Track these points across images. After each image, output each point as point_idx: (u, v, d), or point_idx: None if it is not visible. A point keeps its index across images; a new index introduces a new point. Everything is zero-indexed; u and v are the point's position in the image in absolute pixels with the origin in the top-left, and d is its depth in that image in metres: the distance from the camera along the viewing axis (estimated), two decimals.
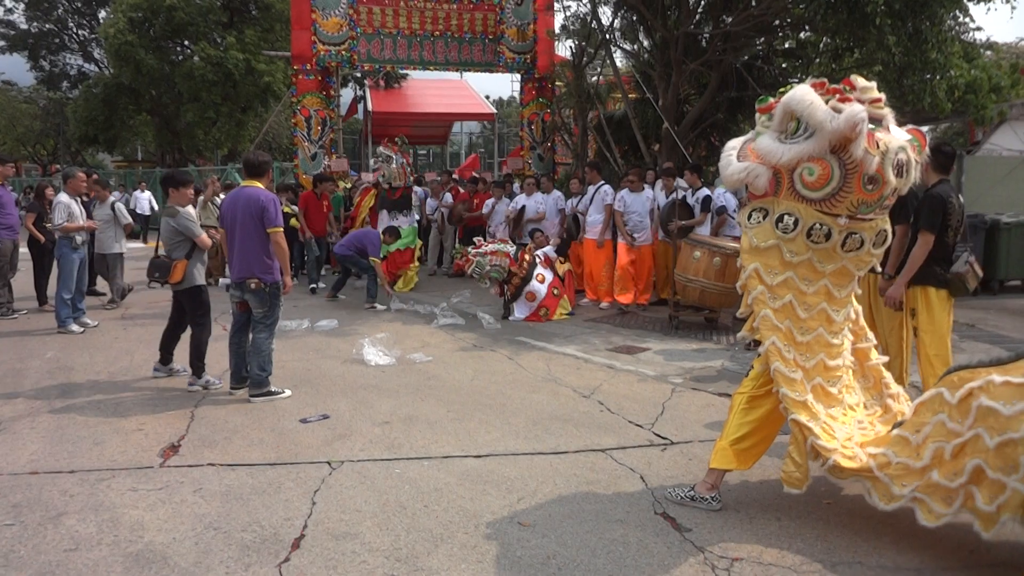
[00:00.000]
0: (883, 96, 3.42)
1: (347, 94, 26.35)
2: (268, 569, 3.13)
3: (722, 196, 8.34)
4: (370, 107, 22.54)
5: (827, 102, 3.25)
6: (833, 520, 3.59)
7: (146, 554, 3.25)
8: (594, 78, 15.21)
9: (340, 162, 14.54)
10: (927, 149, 3.64)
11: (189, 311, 5.97)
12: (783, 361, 3.44)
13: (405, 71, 22.61)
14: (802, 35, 12.14)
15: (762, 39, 12.37)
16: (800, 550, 3.28)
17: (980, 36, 11.23)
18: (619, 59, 14.61)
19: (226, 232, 5.69)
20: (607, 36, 13.18)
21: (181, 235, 5.81)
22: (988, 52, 13.05)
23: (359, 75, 25.97)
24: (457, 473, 4.15)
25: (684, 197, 8.69)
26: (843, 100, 3.25)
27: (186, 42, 26.83)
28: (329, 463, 4.32)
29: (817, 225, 3.32)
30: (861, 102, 3.27)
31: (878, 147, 3.20)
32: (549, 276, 8.81)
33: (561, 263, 9.40)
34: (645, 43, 13.51)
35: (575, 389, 5.84)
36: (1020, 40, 28.08)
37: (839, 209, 3.29)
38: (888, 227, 3.51)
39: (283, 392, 5.70)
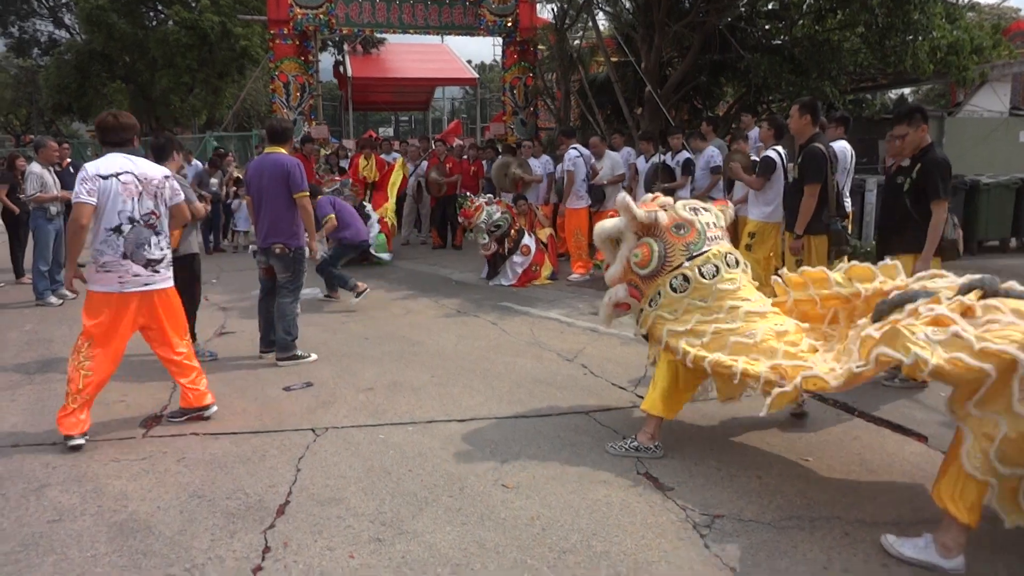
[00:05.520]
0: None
1: (326, 59, 25.91)
2: (253, 536, 3.14)
3: (716, 156, 8.31)
4: (349, 73, 22.19)
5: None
6: (812, 477, 3.65)
7: (130, 523, 3.25)
8: (576, 41, 15.05)
9: (320, 129, 14.35)
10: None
11: (180, 280, 5.88)
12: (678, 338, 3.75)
13: (383, 35, 22.22)
14: None
15: (745, 0, 12.26)
16: (780, 506, 3.33)
17: None
18: (601, 21, 14.46)
19: (251, 198, 5.82)
20: None
21: None
22: (971, 13, 13.04)
23: (337, 39, 25.52)
24: (441, 437, 4.17)
25: (665, 160, 8.66)
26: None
27: (160, 5, 26.22)
28: (313, 430, 4.32)
29: (672, 281, 3.76)
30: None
31: (658, 207, 3.90)
32: (533, 247, 8.81)
33: (542, 228, 9.38)
34: (627, 5, 13.36)
35: (559, 353, 5.86)
36: (1002, 1, 28.02)
37: (677, 260, 3.77)
38: (730, 251, 3.89)
39: (310, 356, 5.76)
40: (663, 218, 3.83)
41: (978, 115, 11.85)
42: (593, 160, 9.29)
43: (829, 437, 4.14)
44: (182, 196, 4.51)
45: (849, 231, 6.52)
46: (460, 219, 9.38)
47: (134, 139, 4.40)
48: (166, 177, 4.37)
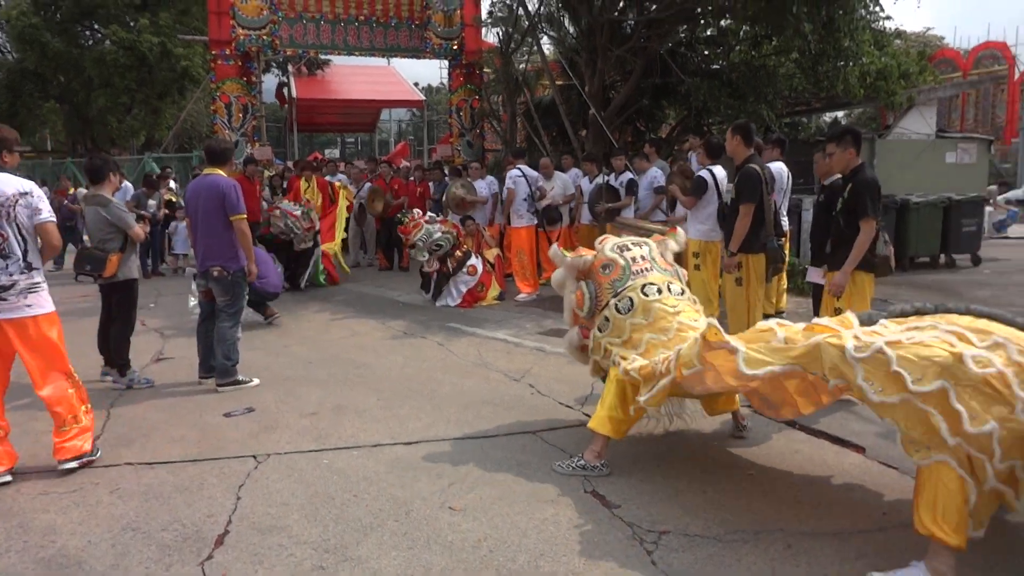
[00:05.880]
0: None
1: (270, 80, 25.61)
2: (190, 568, 3.03)
3: (658, 177, 8.47)
4: (294, 94, 21.97)
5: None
6: (756, 490, 3.70)
7: (59, 559, 3.11)
8: (522, 65, 15.21)
9: (264, 150, 14.14)
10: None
11: (117, 305, 5.69)
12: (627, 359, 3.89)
13: (328, 56, 22.10)
14: (723, 23, 12.40)
15: (685, 27, 12.59)
16: (725, 520, 3.37)
17: (890, 25, 11.72)
18: (546, 46, 14.66)
19: (189, 220, 5.72)
20: (533, 22, 13.17)
21: (114, 227, 5.47)
22: (897, 40, 13.63)
23: (281, 60, 25.28)
24: (387, 461, 4.11)
25: (608, 181, 8.79)
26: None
27: (96, 25, 25.57)
28: (255, 457, 4.21)
29: (611, 308, 3.99)
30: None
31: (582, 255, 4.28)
32: (480, 268, 8.82)
33: (489, 248, 9.40)
34: (571, 30, 13.57)
35: (506, 373, 5.85)
36: (927, 29, 29.41)
37: (605, 299, 4.05)
38: (670, 280, 4.13)
39: (251, 381, 5.62)
40: (589, 261, 4.20)
41: (907, 137, 12.34)
42: (541, 181, 9.38)
43: (771, 451, 4.22)
44: (45, 215, 3.98)
45: (787, 249, 6.72)
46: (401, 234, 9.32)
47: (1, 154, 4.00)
48: (22, 194, 3.88)
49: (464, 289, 8.67)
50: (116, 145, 29.21)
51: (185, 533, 3.32)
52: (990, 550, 2.98)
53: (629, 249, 4.20)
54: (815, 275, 5.30)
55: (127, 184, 11.77)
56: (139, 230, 5.58)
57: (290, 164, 15.31)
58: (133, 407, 5.16)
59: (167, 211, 12.14)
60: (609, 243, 4.29)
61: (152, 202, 12.03)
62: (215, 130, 13.94)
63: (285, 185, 12.05)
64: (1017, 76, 26.96)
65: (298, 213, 9.56)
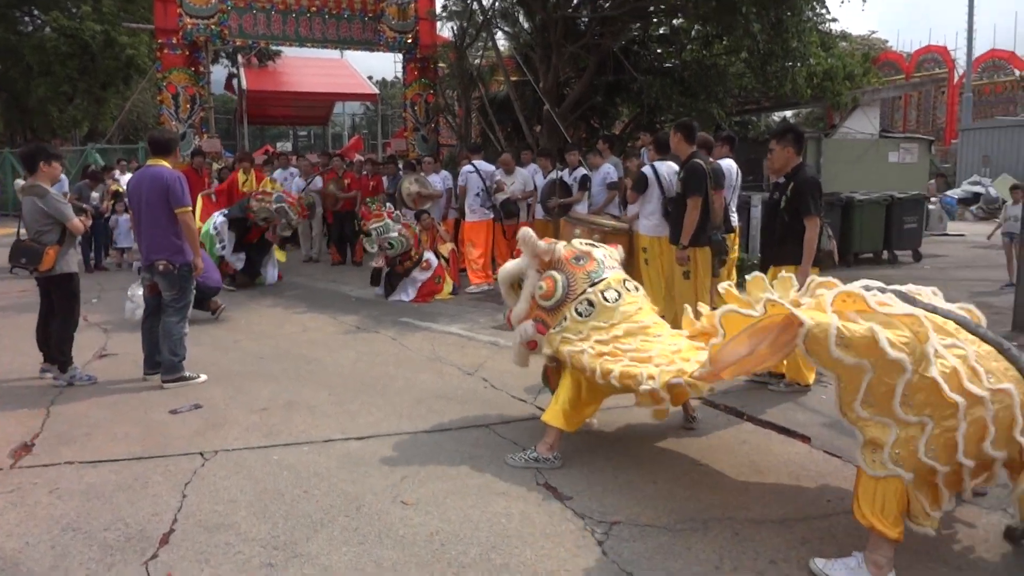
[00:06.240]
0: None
1: (219, 71, 25.05)
2: (134, 568, 2.96)
3: (611, 173, 8.54)
4: (244, 85, 21.53)
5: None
6: (705, 480, 3.77)
7: None
8: (477, 60, 15.17)
9: (212, 142, 13.84)
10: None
11: (57, 300, 5.50)
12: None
13: (279, 48, 21.72)
14: (675, 21, 12.57)
15: (638, 24, 12.71)
16: (674, 510, 3.42)
17: (836, 27, 12.03)
18: (501, 41, 14.64)
19: (132, 213, 5.58)
20: (488, 17, 13.15)
21: (51, 219, 5.28)
22: (843, 43, 14.01)
23: (231, 51, 24.75)
24: (338, 457, 4.06)
25: (562, 176, 8.83)
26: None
27: (36, 11, 24.66)
28: (202, 454, 4.12)
29: (577, 307, 3.91)
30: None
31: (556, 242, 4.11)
32: (434, 262, 8.79)
33: (444, 243, 9.37)
34: (525, 25, 13.59)
35: (459, 367, 5.84)
36: (871, 32, 30.23)
37: (580, 288, 3.94)
38: (627, 278, 4.16)
39: (199, 377, 5.50)
40: (561, 251, 4.05)
41: (852, 137, 12.68)
42: (499, 176, 9.39)
43: (720, 442, 4.30)
44: None
45: (736, 245, 6.86)
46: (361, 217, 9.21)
47: None
48: None
49: (419, 284, 8.63)
50: (57, 136, 28.25)
51: (128, 533, 3.24)
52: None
53: (596, 246, 4.23)
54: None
55: (63, 178, 11.35)
56: (77, 223, 5.40)
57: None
58: (75, 405, 5.00)
59: (113, 202, 11.76)
60: (573, 240, 4.30)
61: (95, 194, 11.68)
62: (161, 121, 13.59)
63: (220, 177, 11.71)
64: (957, 79, 27.93)
65: (294, 199, 9.43)
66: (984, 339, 2.85)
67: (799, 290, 3.41)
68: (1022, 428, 2.68)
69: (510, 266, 4.30)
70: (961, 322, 2.88)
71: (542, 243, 4.06)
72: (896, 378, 2.59)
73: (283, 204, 9.23)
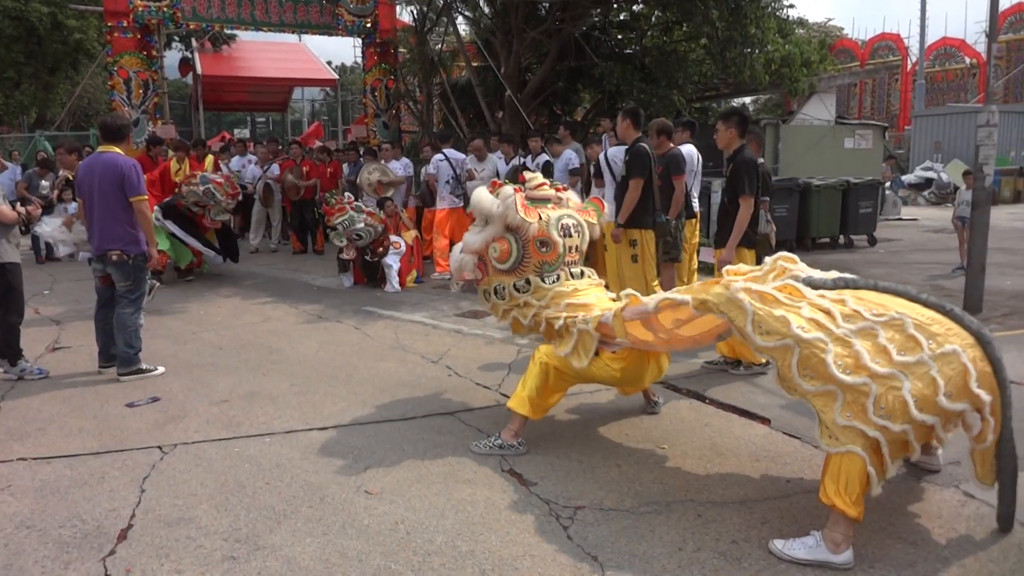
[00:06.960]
0: (547, 182, 4.42)
1: (173, 55, 24.39)
2: (91, 564, 2.89)
3: (573, 159, 8.55)
4: (199, 70, 21.02)
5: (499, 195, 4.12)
6: (667, 463, 3.81)
7: None
8: (438, 45, 15.04)
9: (167, 128, 13.48)
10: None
11: (0, 292, 5.32)
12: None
13: (234, 31, 21.24)
14: (635, 7, 12.60)
15: (598, 10, 12.72)
16: (638, 493, 3.46)
17: (793, 13, 12.17)
18: (462, 26, 14.53)
19: (83, 201, 5.35)
20: (448, 2, 13.03)
21: None
22: (800, 30, 14.17)
23: (184, 34, 24.12)
24: (301, 447, 4.02)
25: (524, 163, 8.82)
26: (517, 191, 4.14)
27: None
28: (160, 447, 4.04)
29: (516, 282, 4.12)
30: (531, 190, 4.29)
31: (540, 218, 4.05)
32: (403, 244, 8.75)
33: (407, 230, 9.30)
34: (486, 10, 13.49)
35: (423, 355, 5.81)
36: (828, 20, 30.68)
37: (528, 273, 4.10)
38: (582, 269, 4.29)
39: (156, 369, 5.38)
40: (533, 230, 4.03)
41: (808, 123, 12.89)
42: (469, 164, 9.32)
43: (683, 425, 4.35)
44: None
45: (697, 230, 6.95)
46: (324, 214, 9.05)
47: None
48: None
49: (397, 267, 8.56)
50: (4, 123, 27.31)
51: (85, 529, 3.16)
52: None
53: (571, 236, 4.19)
54: (707, 254, 5.63)
55: (12, 166, 10.99)
56: (7, 210, 5.21)
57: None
58: (26, 399, 4.86)
59: (61, 191, 11.40)
60: (555, 217, 4.15)
61: (45, 183, 11.34)
62: (113, 107, 13.19)
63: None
64: (910, 67, 28.54)
65: (220, 180, 9.07)
66: (926, 304, 2.96)
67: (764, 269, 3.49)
68: (976, 379, 2.78)
69: (486, 201, 4.13)
70: (902, 293, 3.02)
71: (519, 215, 3.99)
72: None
73: (208, 185, 8.77)
